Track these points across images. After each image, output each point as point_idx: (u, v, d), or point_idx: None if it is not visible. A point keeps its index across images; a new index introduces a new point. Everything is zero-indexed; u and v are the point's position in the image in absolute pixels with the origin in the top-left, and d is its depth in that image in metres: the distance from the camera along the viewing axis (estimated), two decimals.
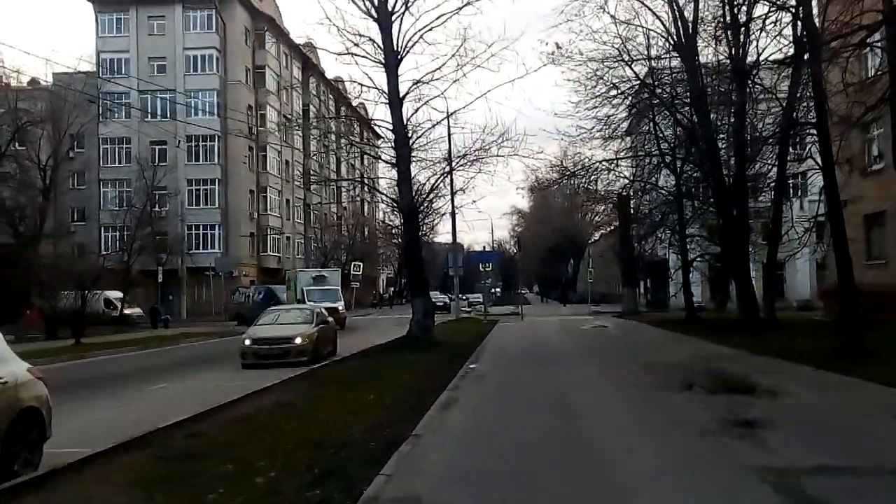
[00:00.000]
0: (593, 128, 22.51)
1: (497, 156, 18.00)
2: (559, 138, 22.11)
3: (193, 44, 47.53)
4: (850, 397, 9.47)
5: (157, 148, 46.38)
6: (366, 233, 73.40)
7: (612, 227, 48.30)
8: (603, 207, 34.66)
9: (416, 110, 18.11)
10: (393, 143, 18.21)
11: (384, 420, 8.22)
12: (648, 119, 26.25)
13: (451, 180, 20.55)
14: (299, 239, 57.90)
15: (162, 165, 45.34)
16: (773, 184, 26.55)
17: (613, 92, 22.80)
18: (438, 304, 52.73)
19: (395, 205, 19.79)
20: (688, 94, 23.09)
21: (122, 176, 46.42)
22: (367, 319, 39.20)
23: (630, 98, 23.96)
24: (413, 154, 18.33)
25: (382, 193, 21.32)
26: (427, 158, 18.86)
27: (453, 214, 27.10)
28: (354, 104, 27.58)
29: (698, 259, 31.00)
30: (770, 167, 25.10)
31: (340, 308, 29.90)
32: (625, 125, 26.13)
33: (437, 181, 18.52)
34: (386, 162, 20.00)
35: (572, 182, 23.98)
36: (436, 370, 13.11)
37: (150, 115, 45.69)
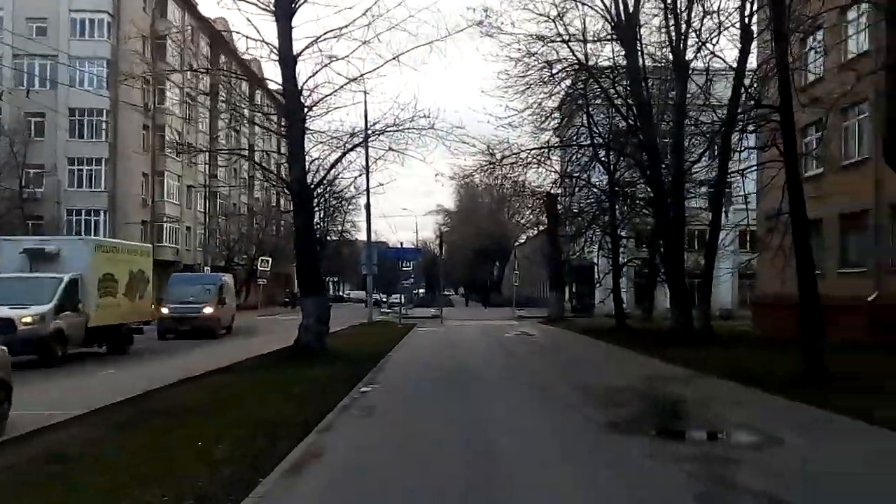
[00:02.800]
0: (524, 110, 20.16)
1: (409, 129, 15.16)
2: (485, 119, 19.53)
3: (81, 6, 42.45)
4: (850, 446, 7.18)
5: (34, 120, 41.11)
6: (281, 226, 69.03)
7: (540, 230, 46.57)
8: (531, 206, 32.39)
9: (315, 73, 15.06)
10: (283, 109, 15.20)
11: (188, 497, 5.23)
12: (582, 108, 24.09)
13: (367, 155, 17.41)
14: (202, 230, 53.22)
15: (38, 140, 40.38)
16: (710, 185, 25.15)
17: (547, 72, 20.50)
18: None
19: (284, 185, 16.56)
20: (627, 82, 21.10)
21: None
22: (269, 320, 35.61)
23: (565, 80, 21.72)
24: (309, 126, 15.30)
25: (268, 170, 17.88)
26: (325, 132, 15.90)
27: (368, 204, 23.92)
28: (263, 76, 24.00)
29: (629, 263, 29.30)
30: (708, 168, 23.56)
31: (27, 320, 14.64)
32: (557, 115, 23.99)
33: (339, 157, 15.49)
34: (276, 133, 16.85)
35: (499, 171, 21.48)
36: (314, 395, 10.14)
37: (25, 83, 40.51)
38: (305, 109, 15.27)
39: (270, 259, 47.86)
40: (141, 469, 5.86)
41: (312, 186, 15.68)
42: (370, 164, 16.82)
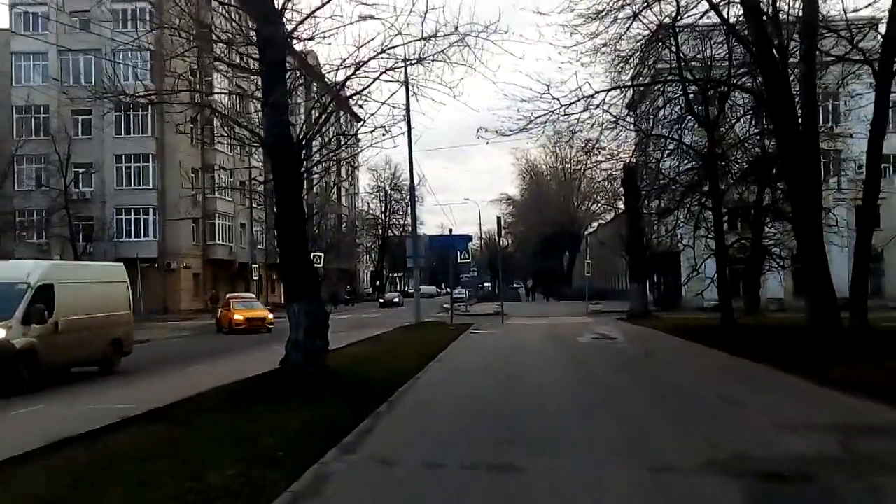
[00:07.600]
0: (596, 37, 14.45)
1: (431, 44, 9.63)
2: (545, 56, 13.95)
3: None
4: None
5: (81, 118, 38.16)
6: (343, 221, 64.80)
7: (614, 215, 40.56)
8: (606, 179, 26.41)
9: None
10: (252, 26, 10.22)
11: None
12: (670, 40, 17.72)
13: (407, 81, 11.25)
14: (257, 227, 49.29)
15: (85, 138, 37.61)
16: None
17: None
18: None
19: (256, 140, 11.27)
20: None
21: (39, 150, 37.94)
22: None
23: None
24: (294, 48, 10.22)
25: (231, 119, 12.59)
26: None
27: (411, 174, 18.36)
28: None
29: (734, 245, 23.15)
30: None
31: None
32: (637, 56, 17.79)
33: (340, 85, 10.01)
34: (252, 73, 11.73)
35: (563, 125, 15.60)
36: (234, 487, 4.99)
37: (71, 80, 37.96)
38: (286, 32, 10.17)
39: (323, 255, 43.26)
40: None
41: (302, 140, 10.53)
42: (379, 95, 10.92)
